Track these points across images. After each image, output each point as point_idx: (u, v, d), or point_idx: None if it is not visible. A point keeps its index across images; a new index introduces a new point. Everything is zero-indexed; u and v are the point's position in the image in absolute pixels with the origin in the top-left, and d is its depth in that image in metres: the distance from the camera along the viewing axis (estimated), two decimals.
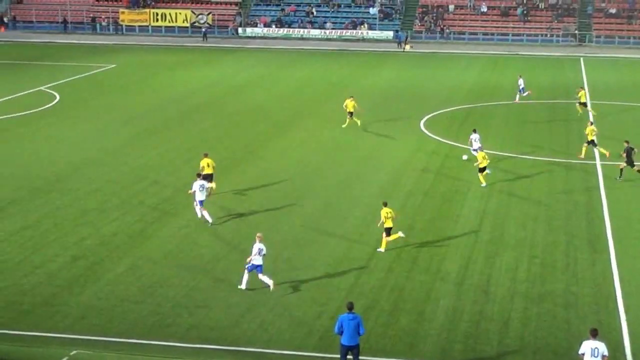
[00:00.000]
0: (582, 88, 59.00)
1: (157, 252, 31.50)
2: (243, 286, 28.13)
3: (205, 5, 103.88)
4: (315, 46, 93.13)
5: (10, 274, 29.36)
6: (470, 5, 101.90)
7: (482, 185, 39.95)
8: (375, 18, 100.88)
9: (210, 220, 34.39)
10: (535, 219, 35.53)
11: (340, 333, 22.31)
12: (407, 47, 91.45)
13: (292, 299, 27.48)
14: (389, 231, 31.76)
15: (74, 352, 23.82)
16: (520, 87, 60.22)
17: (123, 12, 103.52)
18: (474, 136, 44.14)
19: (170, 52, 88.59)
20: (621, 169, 41.10)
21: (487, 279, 29.28)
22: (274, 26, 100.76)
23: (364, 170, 42.76)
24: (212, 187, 36.92)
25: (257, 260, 27.82)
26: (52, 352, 24.03)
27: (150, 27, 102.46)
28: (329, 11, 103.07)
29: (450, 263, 30.66)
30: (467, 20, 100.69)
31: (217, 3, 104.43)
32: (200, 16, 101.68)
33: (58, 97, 60.78)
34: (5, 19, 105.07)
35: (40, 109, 56.99)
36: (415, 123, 53.31)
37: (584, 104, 55.69)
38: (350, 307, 22.49)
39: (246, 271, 28.06)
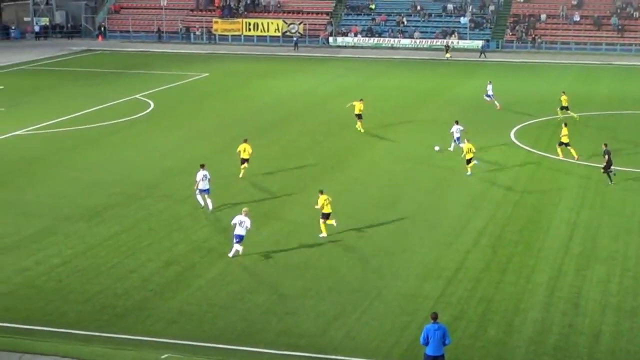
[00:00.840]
0: (564, 93, 58.45)
1: (246, 258, 31.88)
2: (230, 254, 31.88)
3: (297, 15, 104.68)
4: (405, 55, 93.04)
5: (104, 278, 30.06)
6: (562, 15, 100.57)
7: (467, 173, 42.47)
8: (466, 27, 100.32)
9: (210, 207, 37.33)
10: (629, 232, 34.90)
11: (426, 343, 22.29)
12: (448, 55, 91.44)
13: (379, 308, 27.53)
14: (327, 216, 34.08)
15: (165, 355, 24.22)
16: (489, 93, 60.84)
17: (216, 22, 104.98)
18: (455, 127, 47.05)
19: (262, 61, 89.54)
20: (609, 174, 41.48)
21: (577, 291, 28.87)
22: (363, 35, 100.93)
23: (454, 180, 42.56)
24: (244, 167, 42.70)
25: (239, 230, 31.74)
26: (144, 356, 24.48)
27: (242, 37, 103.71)
28: (419, 20, 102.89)
29: (539, 274, 30.33)
30: (559, 30, 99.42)
31: (308, 13, 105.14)
32: (291, 26, 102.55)
33: (152, 105, 61.99)
34: (103, 29, 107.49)
35: (135, 116, 58.21)
36: (505, 132, 52.85)
37: (566, 108, 56.68)
38: (435, 317, 22.45)
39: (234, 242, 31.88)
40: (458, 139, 46.52)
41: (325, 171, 44.30)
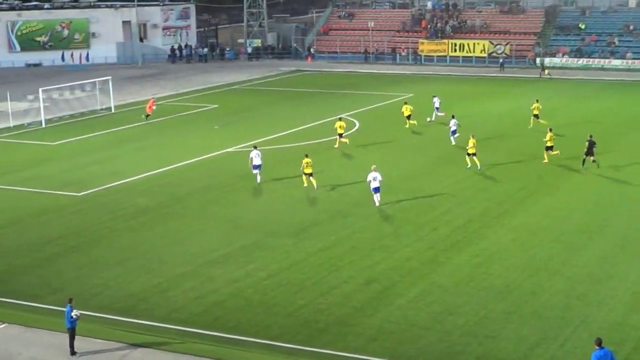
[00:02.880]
0: (537, 101, 61.67)
1: (448, 279, 31.93)
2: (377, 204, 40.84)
3: (504, 36, 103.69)
4: (616, 77, 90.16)
5: (308, 293, 30.86)
6: None
7: (467, 166, 48.04)
8: None
9: (258, 180, 45.54)
10: None
11: None
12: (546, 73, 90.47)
13: (583, 336, 26.87)
14: (310, 175, 44.27)
15: None
16: (435, 106, 64.61)
17: (422, 43, 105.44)
18: (453, 121, 55.11)
19: (467, 82, 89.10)
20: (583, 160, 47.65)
21: None
22: (572, 56, 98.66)
23: None
24: (346, 142, 54.21)
25: (374, 184, 40.64)
26: None
27: (447, 57, 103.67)
28: (632, 40, 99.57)
29: None
30: None
31: (515, 33, 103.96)
32: (498, 46, 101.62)
33: (357, 124, 62.96)
34: (312, 50, 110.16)
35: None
36: None
37: (537, 116, 60.39)
38: (599, 343, 22.20)
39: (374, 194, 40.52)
40: (455, 131, 54.69)
41: (529, 194, 43.66)
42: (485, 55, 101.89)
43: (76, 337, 26.43)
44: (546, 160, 49.59)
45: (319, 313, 29.09)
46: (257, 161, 45.70)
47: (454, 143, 54.56)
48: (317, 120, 64.97)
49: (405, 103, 62.69)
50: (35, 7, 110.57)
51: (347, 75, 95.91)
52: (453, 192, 43.90)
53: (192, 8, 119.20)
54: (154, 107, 67.85)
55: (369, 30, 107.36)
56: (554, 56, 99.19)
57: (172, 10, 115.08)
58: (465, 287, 31.22)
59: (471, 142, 48.51)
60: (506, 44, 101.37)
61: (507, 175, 47.33)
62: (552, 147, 49.83)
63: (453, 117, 55.94)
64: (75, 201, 43.96)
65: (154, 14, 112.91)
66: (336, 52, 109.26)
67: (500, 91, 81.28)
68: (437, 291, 30.81)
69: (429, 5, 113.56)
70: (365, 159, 51.94)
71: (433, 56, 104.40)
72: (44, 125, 65.37)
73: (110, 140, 59.90)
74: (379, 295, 30.59)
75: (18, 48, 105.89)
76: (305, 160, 44.70)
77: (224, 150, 54.68)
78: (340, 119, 56.45)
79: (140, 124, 65.68)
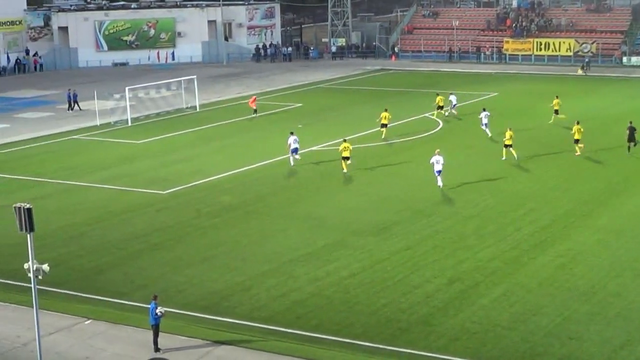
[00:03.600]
0: (557, 97, 63.37)
1: (531, 279, 31.64)
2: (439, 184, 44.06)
3: (590, 34, 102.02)
4: None
5: (390, 292, 30.90)
6: None
7: (502, 158, 50.00)
8: None
9: (292, 164, 49.64)
10: None
11: None
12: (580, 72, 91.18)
13: None
14: (347, 159, 47.78)
15: None
16: (453, 104, 66.15)
17: (507, 42, 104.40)
18: (483, 114, 57.28)
19: (551, 80, 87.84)
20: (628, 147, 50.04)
21: None
22: None
23: None
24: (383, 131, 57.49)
25: (437, 167, 44.19)
26: None
27: (532, 56, 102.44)
28: None
29: None
30: None
31: (602, 32, 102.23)
32: (584, 45, 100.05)
33: (441, 124, 62.71)
34: (396, 49, 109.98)
35: (424, 134, 59.18)
36: None
37: (556, 112, 62.21)
38: None
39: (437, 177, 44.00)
40: (486, 124, 56.50)
41: (615, 194, 43.02)
42: (571, 54, 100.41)
43: (160, 333, 26.87)
44: (579, 153, 51.09)
45: (401, 312, 29.11)
46: (294, 145, 49.67)
47: (489, 135, 56.47)
48: (401, 119, 64.71)
49: (437, 93, 66.94)
50: (123, 7, 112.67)
51: (431, 74, 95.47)
52: (537, 192, 43.44)
53: (277, 7, 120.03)
54: (256, 104, 68.53)
55: (453, 29, 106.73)
56: None
57: (257, 9, 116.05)
58: (548, 287, 30.90)
59: (508, 134, 50.29)
60: (592, 43, 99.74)
61: (592, 176, 46.64)
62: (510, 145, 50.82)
63: (484, 109, 58.12)
64: (160, 199, 44.69)
65: (239, 13, 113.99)
66: (420, 51, 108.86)
67: (585, 89, 79.92)
68: (520, 291, 30.56)
69: (514, 3, 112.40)
70: (447, 159, 51.62)
71: (518, 55, 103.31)
72: (129, 124, 66.58)
73: (195, 139, 60.72)
74: (462, 295, 30.48)
75: (105, 47, 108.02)
76: (344, 144, 48.12)
77: (309, 149, 54.95)
78: (386, 110, 59.29)
79: (225, 122, 66.38)
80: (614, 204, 41.24)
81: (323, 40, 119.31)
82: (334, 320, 28.71)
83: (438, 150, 45.32)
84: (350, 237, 37.26)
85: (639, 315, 28.11)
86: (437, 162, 44.46)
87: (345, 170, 48.03)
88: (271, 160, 52.46)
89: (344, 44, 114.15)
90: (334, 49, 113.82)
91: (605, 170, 47.86)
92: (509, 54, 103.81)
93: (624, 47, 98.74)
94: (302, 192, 45.26)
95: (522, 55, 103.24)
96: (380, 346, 26.68)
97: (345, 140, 48.73)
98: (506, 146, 50.30)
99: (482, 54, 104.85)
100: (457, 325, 27.95)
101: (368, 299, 30.35)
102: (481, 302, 29.73)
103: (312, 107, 72.70)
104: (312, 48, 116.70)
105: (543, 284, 31.22)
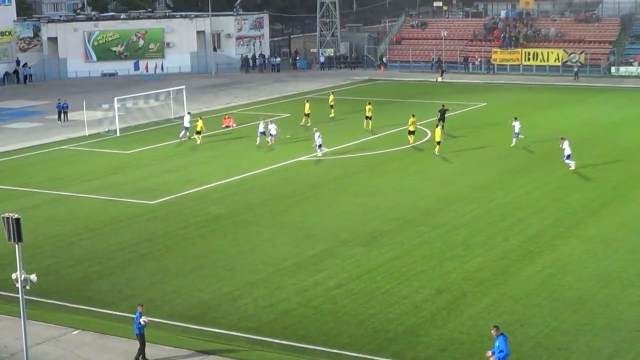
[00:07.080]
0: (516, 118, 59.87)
1: (519, 290, 31.67)
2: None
3: (578, 44, 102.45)
4: None
5: (378, 302, 30.88)
6: None
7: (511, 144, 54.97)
8: None
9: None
10: None
11: None
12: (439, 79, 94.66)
13: None
14: (412, 133, 57.14)
15: None
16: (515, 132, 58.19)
17: (496, 52, 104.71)
18: (515, 123, 57.47)
19: (540, 91, 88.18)
20: None
21: None
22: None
23: None
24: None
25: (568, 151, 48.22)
26: None
27: (521, 66, 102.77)
28: None
29: None
30: None
31: (590, 42, 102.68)
32: (572, 55, 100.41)
33: (429, 134, 62.74)
34: (384, 59, 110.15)
35: (410, 145, 59.14)
36: None
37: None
38: None
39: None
40: (517, 134, 57.06)
41: (603, 204, 43.09)
42: (560, 64, 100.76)
43: (147, 343, 26.77)
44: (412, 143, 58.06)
45: (389, 323, 29.10)
46: (318, 142, 54.70)
47: (513, 144, 57.10)
48: (389, 130, 64.85)
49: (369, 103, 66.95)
50: (112, 18, 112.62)
51: (419, 84, 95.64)
52: (525, 202, 43.52)
53: (266, 18, 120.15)
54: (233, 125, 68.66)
55: (442, 39, 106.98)
56: (630, 65, 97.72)
57: (245, 20, 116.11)
58: (537, 298, 30.93)
59: (368, 107, 62.29)
60: (581, 53, 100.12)
61: (581, 186, 46.79)
62: (413, 132, 58.50)
63: (516, 119, 58.27)
64: (148, 209, 44.63)
65: (227, 24, 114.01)
66: (408, 61, 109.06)
67: (574, 99, 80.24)
68: (508, 302, 30.59)
69: (503, 14, 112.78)
70: (437, 169, 51.85)
71: (506, 65, 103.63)
72: (118, 134, 66.49)
73: (184, 149, 60.68)
74: (450, 305, 30.48)
75: (94, 58, 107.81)
76: (412, 119, 58.27)
77: (296, 159, 54.95)
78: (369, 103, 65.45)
79: (214, 132, 66.32)
80: (602, 214, 41.32)
81: (312, 50, 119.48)
82: (321, 330, 28.69)
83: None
84: (339, 247, 37.25)
85: (628, 326, 28.15)
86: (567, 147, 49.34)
87: (411, 142, 58.32)
88: (260, 170, 52.45)
89: (332, 54, 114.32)
90: (322, 59, 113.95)
91: (593, 180, 47.96)
92: (498, 64, 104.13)
93: (612, 57, 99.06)
94: (290, 202, 45.25)
95: (510, 65, 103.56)
96: (368, 357, 26.65)
97: (413, 116, 58.98)
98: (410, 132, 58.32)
99: (471, 64, 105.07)
100: (445, 335, 27.95)
101: (356, 309, 30.33)
102: (469, 313, 29.74)
103: (300, 117, 72.62)
104: (298, 58, 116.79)
105: (531, 294, 31.25)
